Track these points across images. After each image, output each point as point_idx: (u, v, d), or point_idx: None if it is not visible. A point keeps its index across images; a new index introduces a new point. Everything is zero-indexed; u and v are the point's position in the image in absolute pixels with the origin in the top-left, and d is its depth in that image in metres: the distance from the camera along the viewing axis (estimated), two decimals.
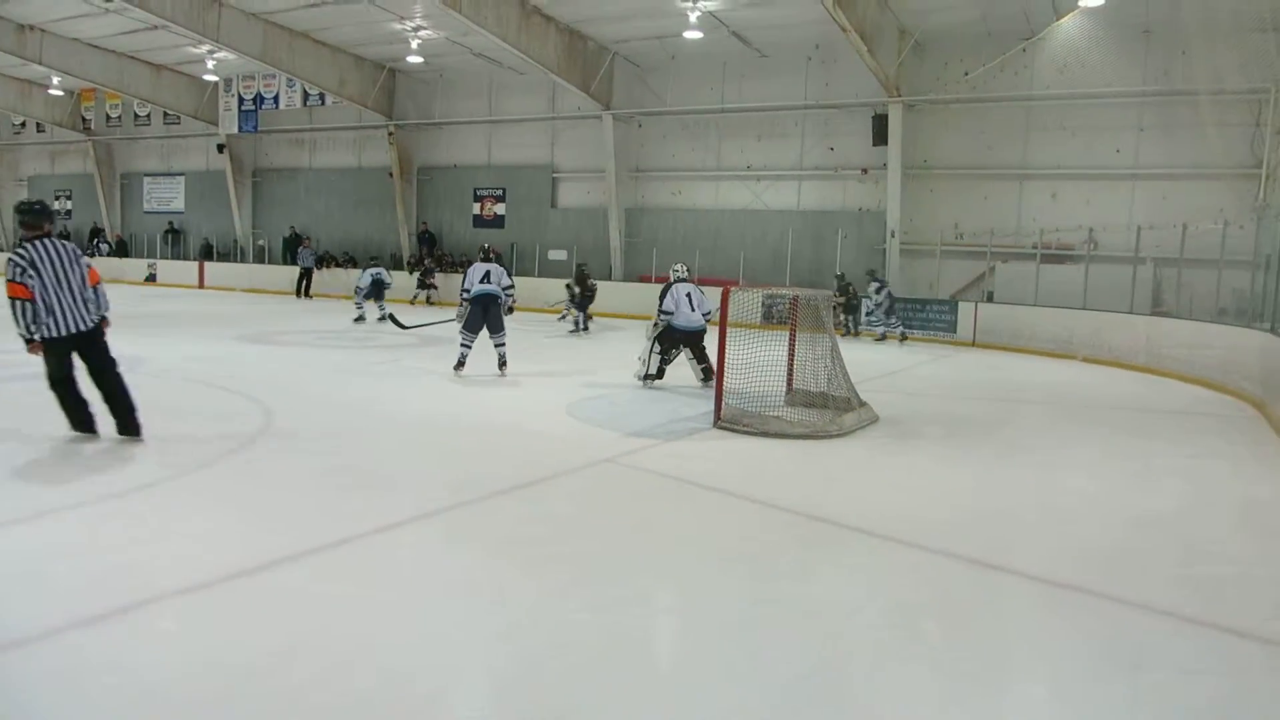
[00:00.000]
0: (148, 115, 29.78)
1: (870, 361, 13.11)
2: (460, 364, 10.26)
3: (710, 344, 9.10)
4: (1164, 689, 3.35)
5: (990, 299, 17.66)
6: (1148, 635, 3.84)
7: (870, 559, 4.71)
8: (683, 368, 10.54)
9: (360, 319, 17.16)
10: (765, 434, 7.66)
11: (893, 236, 18.96)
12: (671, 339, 10.17)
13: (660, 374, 10.22)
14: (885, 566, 4.61)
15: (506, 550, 4.57)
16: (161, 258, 29.40)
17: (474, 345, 10.34)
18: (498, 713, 3.01)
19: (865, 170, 19.73)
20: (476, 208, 25.18)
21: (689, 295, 10.12)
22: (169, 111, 28.47)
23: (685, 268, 10.84)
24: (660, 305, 10.17)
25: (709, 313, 9.88)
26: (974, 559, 4.68)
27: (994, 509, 5.85)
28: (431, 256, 24.42)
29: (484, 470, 6.07)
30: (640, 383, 10.09)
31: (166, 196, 30.96)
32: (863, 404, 8.54)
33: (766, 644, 3.58)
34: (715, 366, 8.31)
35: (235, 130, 27.26)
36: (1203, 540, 5.32)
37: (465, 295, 10.36)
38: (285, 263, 26.65)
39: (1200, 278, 13.82)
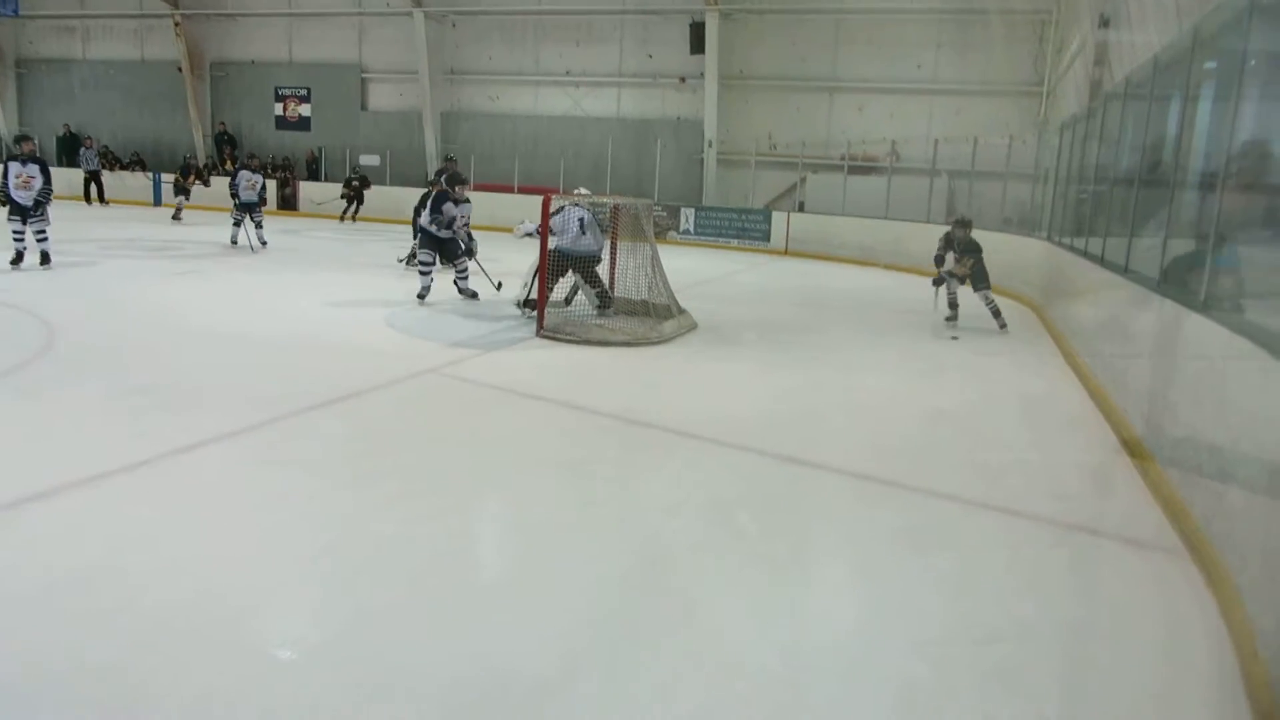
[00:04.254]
0: None
1: (688, 270, 13.39)
2: None
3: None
4: (955, 564, 3.69)
5: (802, 209, 18.32)
6: (940, 519, 4.20)
7: (688, 459, 4.89)
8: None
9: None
10: (587, 342, 7.72)
11: (710, 146, 19.23)
12: (560, 264, 8.74)
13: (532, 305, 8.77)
14: (702, 466, 4.81)
15: (322, 467, 4.45)
16: None
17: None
18: (315, 627, 2.97)
19: (683, 79, 19.79)
20: (279, 108, 23.59)
21: (580, 220, 8.75)
22: None
23: (587, 192, 9.39)
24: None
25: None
26: (785, 455, 4.95)
27: (803, 408, 6.18)
28: (232, 159, 22.76)
29: (298, 385, 5.83)
30: (521, 311, 9.06)
31: None
32: (682, 311, 8.74)
33: (589, 545, 3.68)
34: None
35: None
36: (987, 431, 5.84)
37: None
38: (60, 165, 24.11)
39: (989, 189, 14.84)
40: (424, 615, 3.02)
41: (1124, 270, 6.33)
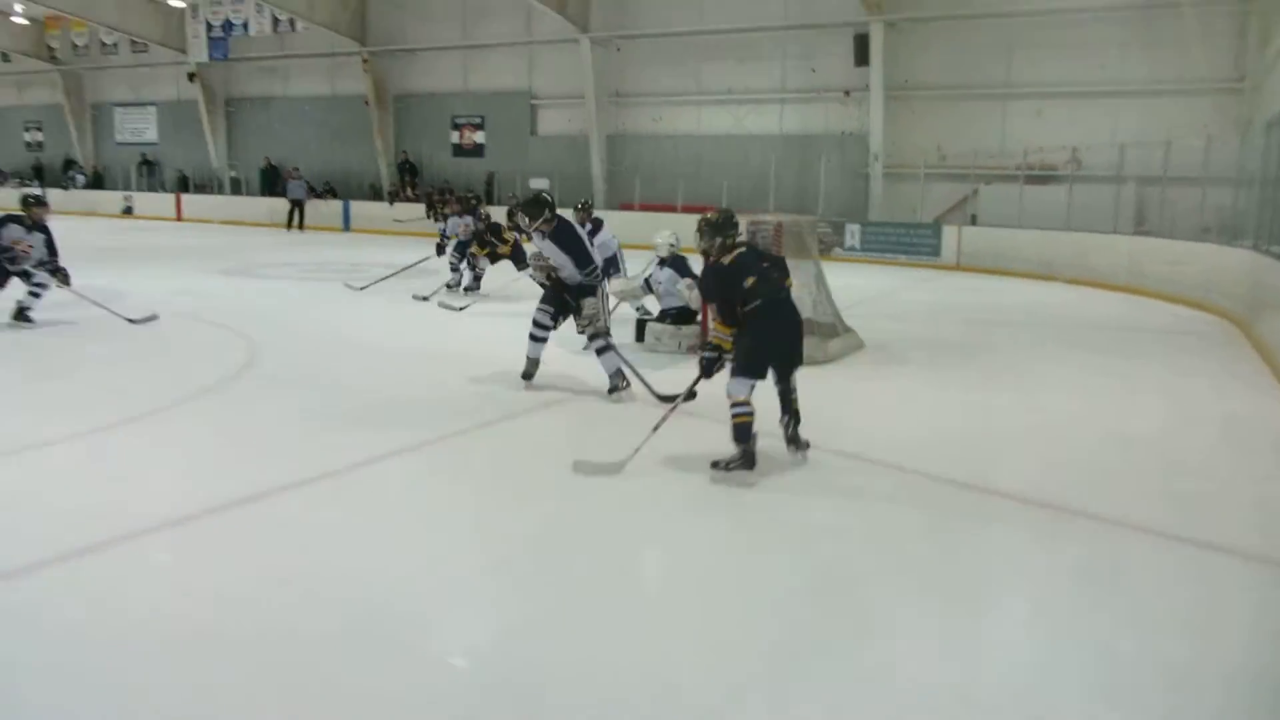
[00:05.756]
0: (115, 44, 28.95)
1: (855, 287, 13.12)
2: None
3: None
4: (1142, 603, 3.44)
5: (974, 222, 17.61)
6: (1127, 551, 3.93)
7: (856, 483, 4.78)
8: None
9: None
10: None
11: (876, 160, 18.79)
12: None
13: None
14: (871, 490, 4.69)
15: (487, 483, 4.62)
16: (136, 190, 28.85)
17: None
18: (483, 637, 3.07)
19: (848, 92, 19.44)
20: (455, 136, 24.75)
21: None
22: (136, 39, 27.68)
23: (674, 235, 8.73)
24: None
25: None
26: (959, 481, 4.76)
27: (978, 430, 5.92)
28: (413, 186, 24.07)
29: (469, 403, 6.08)
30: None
31: (139, 127, 30.25)
32: (848, 330, 8.56)
33: (755, 569, 3.65)
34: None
35: (205, 58, 26.52)
36: (1182, 458, 5.42)
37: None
38: (262, 194, 26.20)
39: (1184, 195, 13.77)
40: (580, 636, 3.07)
41: None
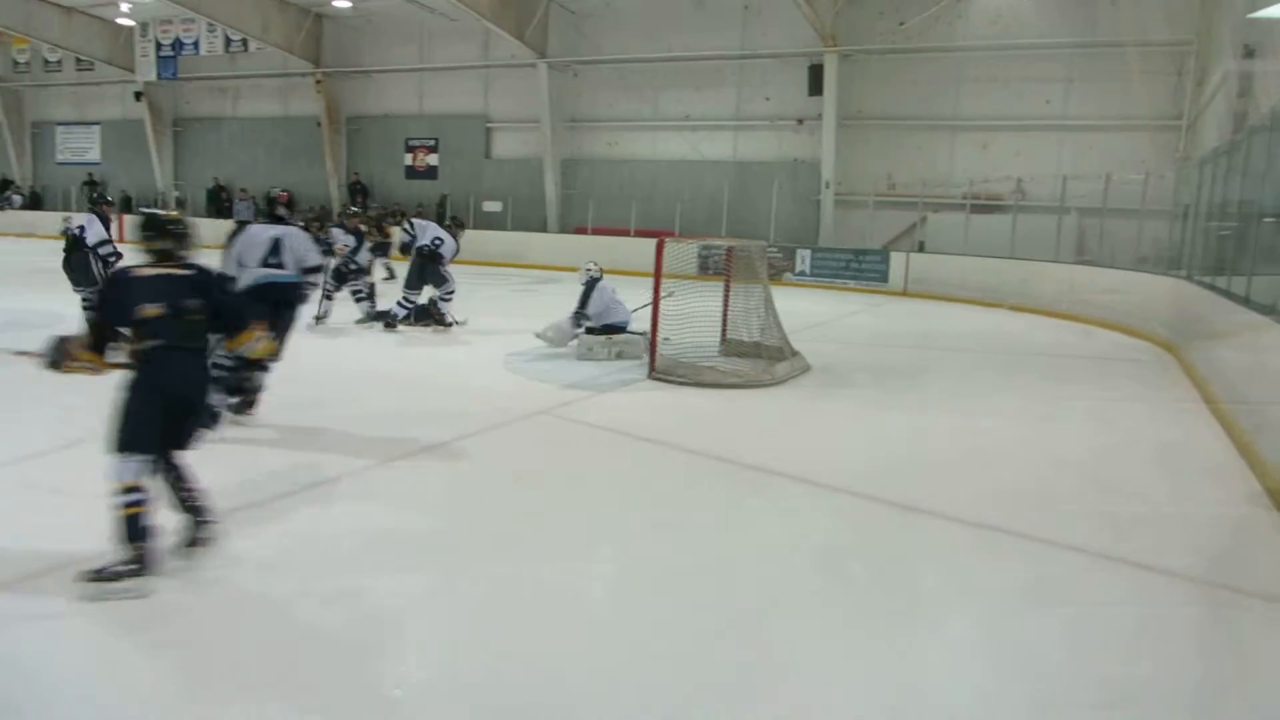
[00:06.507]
0: (59, 61, 28.44)
1: (804, 311, 13.25)
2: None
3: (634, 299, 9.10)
4: (1079, 621, 3.49)
5: (922, 249, 17.92)
6: (1064, 571, 3.99)
7: (799, 505, 4.80)
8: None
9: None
10: (699, 384, 7.71)
11: (827, 187, 19.07)
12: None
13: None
14: (814, 511, 4.72)
15: (435, 507, 4.56)
16: (78, 209, 28.19)
17: None
18: (422, 664, 3.03)
19: (801, 121, 19.73)
20: (409, 158, 24.64)
21: (613, 290, 9.29)
22: (82, 57, 27.24)
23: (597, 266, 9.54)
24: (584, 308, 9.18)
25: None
26: (900, 502, 4.80)
27: (919, 453, 5.99)
28: (363, 208, 23.87)
29: (417, 426, 6.01)
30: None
31: (81, 147, 29.69)
32: (795, 353, 8.64)
33: (694, 591, 3.64)
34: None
35: (154, 77, 26.15)
36: (1117, 480, 5.53)
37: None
38: (210, 216, 25.79)
39: (1123, 227, 14.18)
40: (525, 658, 3.04)
41: (1272, 311, 5.93)
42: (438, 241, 10.41)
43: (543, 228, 22.09)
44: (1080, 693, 2.94)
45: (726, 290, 9.18)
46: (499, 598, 3.48)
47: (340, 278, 10.73)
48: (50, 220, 27.72)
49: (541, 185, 22.24)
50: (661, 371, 7.96)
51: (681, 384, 7.72)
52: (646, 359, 8.11)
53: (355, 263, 10.71)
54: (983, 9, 17.58)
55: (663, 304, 8.10)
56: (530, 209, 22.19)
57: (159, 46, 25.70)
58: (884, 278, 17.72)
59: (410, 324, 10.45)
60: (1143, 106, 16.23)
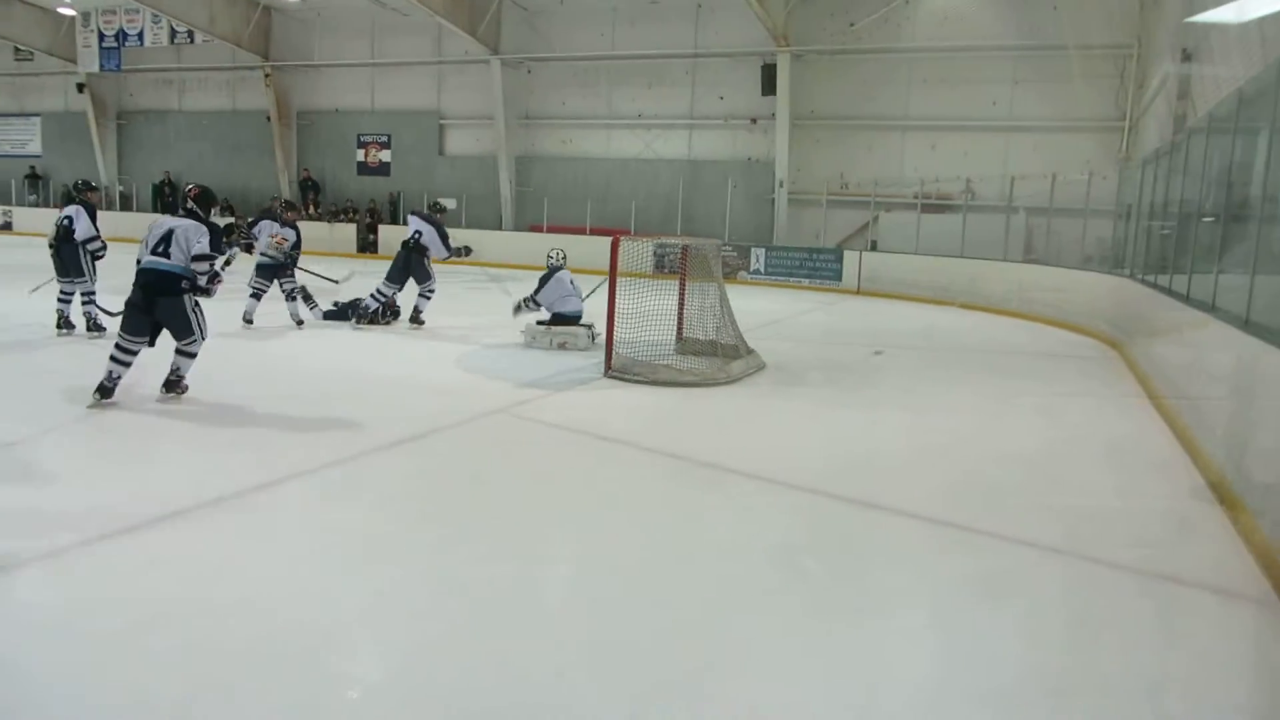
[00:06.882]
0: None
1: (759, 310, 13.34)
2: None
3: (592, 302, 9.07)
4: (1030, 613, 3.56)
5: (874, 248, 18.14)
6: (1015, 564, 4.06)
7: (754, 502, 4.83)
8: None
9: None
10: (655, 382, 7.72)
11: (781, 186, 19.22)
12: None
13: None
14: (768, 508, 4.75)
15: (389, 506, 4.52)
16: (17, 204, 27.45)
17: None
18: (377, 664, 3.00)
19: (754, 120, 19.87)
20: (361, 154, 24.35)
21: (572, 281, 9.61)
22: (20, 46, 26.50)
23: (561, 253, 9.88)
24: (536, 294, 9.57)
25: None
26: (852, 498, 4.86)
27: (871, 449, 6.06)
28: (315, 204, 23.54)
29: (373, 424, 5.94)
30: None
31: (20, 139, 28.87)
32: (750, 351, 8.70)
33: (650, 589, 3.65)
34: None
35: (96, 69, 25.42)
36: (1064, 475, 5.65)
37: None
38: (155, 210, 25.24)
39: (1068, 226, 14.49)
40: (482, 658, 3.02)
41: (1211, 308, 6.10)
42: (418, 235, 10.34)
43: (497, 225, 21.98)
44: (1031, 682, 3.00)
45: (682, 289, 9.21)
46: (455, 597, 3.46)
47: (271, 273, 10.21)
48: None
49: (496, 182, 22.13)
50: (618, 370, 7.96)
51: (638, 382, 7.73)
52: (593, 350, 8.12)
53: (292, 257, 10.27)
54: (931, 11, 17.86)
55: (618, 302, 8.09)
56: (484, 206, 22.06)
57: (102, 37, 25.01)
58: (838, 276, 17.91)
59: (366, 319, 10.35)
60: (1086, 108, 16.60)
